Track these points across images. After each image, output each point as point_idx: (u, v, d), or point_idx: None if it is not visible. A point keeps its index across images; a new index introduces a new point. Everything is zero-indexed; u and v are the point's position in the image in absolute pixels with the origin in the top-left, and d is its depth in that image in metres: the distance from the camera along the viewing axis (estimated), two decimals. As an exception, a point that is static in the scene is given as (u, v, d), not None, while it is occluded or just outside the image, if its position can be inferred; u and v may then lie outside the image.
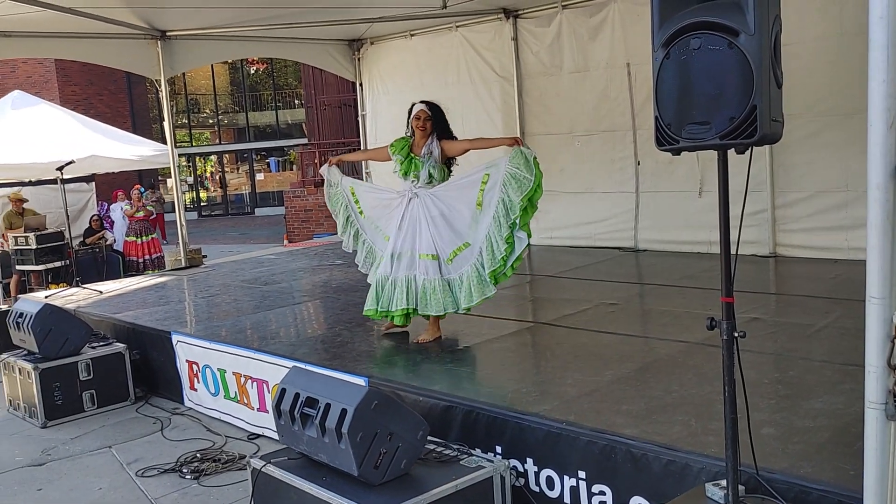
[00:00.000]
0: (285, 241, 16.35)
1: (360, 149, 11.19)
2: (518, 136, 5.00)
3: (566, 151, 8.93)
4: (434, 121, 5.16)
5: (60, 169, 8.29)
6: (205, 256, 10.38)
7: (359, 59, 10.85)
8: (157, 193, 20.48)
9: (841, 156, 6.92)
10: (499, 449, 3.84)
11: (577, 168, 8.89)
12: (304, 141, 22.79)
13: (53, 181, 10.06)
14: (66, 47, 8.75)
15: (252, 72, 32.40)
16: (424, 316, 5.31)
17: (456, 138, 5.30)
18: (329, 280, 8.15)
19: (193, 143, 32.73)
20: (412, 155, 5.18)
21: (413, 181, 5.18)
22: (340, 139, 17.84)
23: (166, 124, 9.60)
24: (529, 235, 5.03)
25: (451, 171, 5.31)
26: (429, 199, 5.15)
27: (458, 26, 9.56)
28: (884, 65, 1.88)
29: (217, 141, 32.74)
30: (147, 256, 13.30)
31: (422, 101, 5.25)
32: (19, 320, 6.08)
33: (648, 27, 2.65)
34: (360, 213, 5.54)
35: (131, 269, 12.55)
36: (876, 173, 1.96)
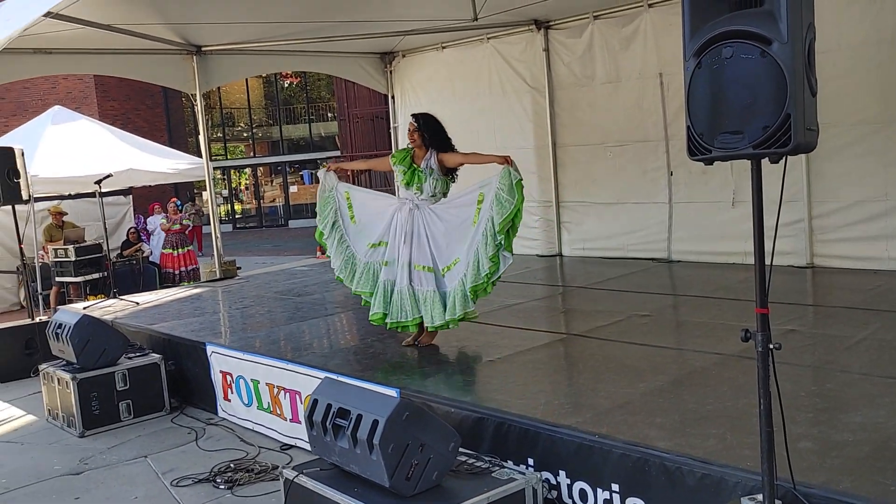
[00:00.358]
0: (318, 253, 16.39)
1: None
2: (509, 155, 5.08)
3: (598, 162, 8.90)
4: (425, 132, 5.30)
5: (99, 182, 8.45)
6: (239, 268, 10.49)
7: (391, 72, 10.93)
8: (196, 206, 20.77)
9: (880, 164, 6.82)
10: (531, 461, 3.82)
11: (609, 179, 8.84)
12: (337, 153, 22.99)
13: (92, 194, 10.25)
14: (105, 63, 8.94)
15: (286, 85, 32.77)
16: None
17: (454, 149, 5.41)
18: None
19: (228, 157, 33.14)
20: (415, 166, 5.30)
21: (416, 193, 5.30)
22: (373, 151, 17.97)
23: (201, 138, 9.73)
24: (511, 255, 5.16)
25: (453, 180, 5.43)
26: (429, 214, 5.30)
27: (489, 38, 9.59)
28: None
29: (251, 154, 33.12)
30: (183, 268, 13.47)
31: (413, 114, 5.48)
32: (58, 331, 6.18)
33: (678, 37, 2.64)
34: (352, 218, 5.60)
35: (167, 281, 12.71)
36: None
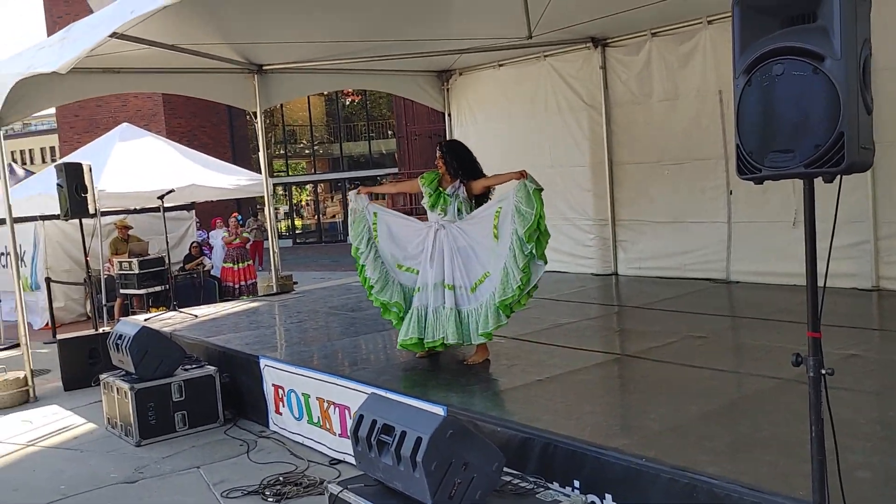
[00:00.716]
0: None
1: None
2: (524, 169, 5.23)
3: (655, 181, 8.78)
4: (451, 159, 5.52)
5: (161, 197, 8.69)
6: (296, 283, 10.64)
7: (448, 90, 11.00)
8: (258, 221, 21.19)
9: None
10: (577, 483, 3.76)
11: (666, 197, 8.71)
12: (395, 170, 23.18)
13: (156, 209, 10.56)
14: (170, 82, 9.21)
15: (347, 103, 33.26)
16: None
17: (482, 174, 5.61)
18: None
19: (290, 173, 33.74)
20: (441, 189, 5.51)
21: (440, 215, 5.50)
22: (431, 168, 18.06)
23: (261, 154, 9.93)
24: (545, 262, 5.28)
25: (479, 205, 5.59)
26: (454, 231, 5.47)
27: (545, 56, 9.57)
28: None
29: (312, 171, 33.66)
30: (242, 282, 13.74)
31: (439, 143, 5.77)
32: (118, 342, 6.36)
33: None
34: (375, 238, 5.80)
35: (227, 295, 12.98)
36: None
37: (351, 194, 6.03)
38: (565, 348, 5.76)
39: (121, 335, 6.37)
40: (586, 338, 6.10)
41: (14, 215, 11.94)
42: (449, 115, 11.07)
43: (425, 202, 5.58)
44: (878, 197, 7.01)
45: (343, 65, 9.83)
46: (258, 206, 28.24)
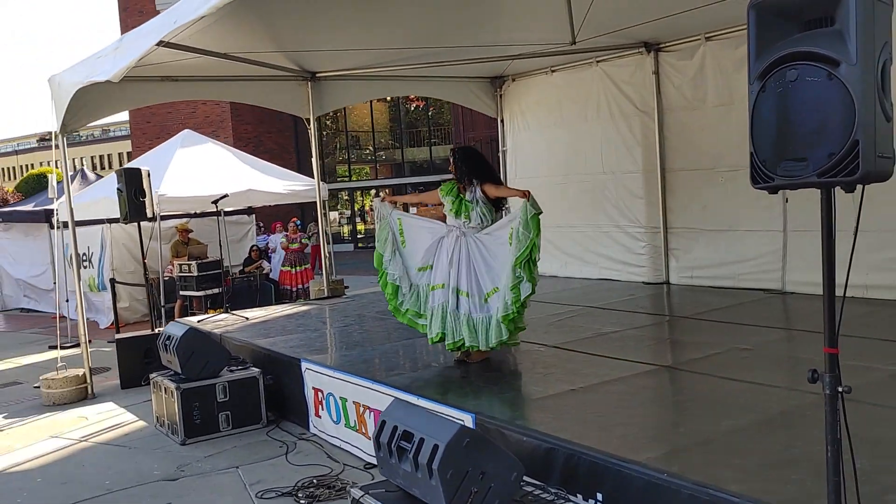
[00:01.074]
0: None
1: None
2: (528, 190, 5.37)
3: (709, 187, 8.58)
4: (463, 164, 5.65)
5: (215, 202, 8.89)
6: (347, 287, 10.75)
7: (500, 96, 10.98)
8: (318, 226, 21.50)
9: None
10: (599, 496, 3.69)
11: (720, 205, 8.50)
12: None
13: (217, 213, 10.84)
14: (225, 89, 9.42)
15: (411, 109, 33.51)
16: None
17: (498, 180, 5.84)
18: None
19: (353, 178, 34.15)
20: (461, 196, 5.66)
21: (465, 221, 5.64)
22: (487, 174, 18.08)
23: (314, 160, 10.08)
24: (534, 285, 5.36)
25: (501, 213, 5.74)
26: (474, 241, 5.60)
27: (598, 61, 9.47)
28: None
29: (374, 176, 33.99)
30: (300, 286, 13.98)
31: (452, 148, 6.09)
32: (167, 342, 6.54)
33: None
34: (403, 243, 5.96)
35: (285, 298, 13.21)
36: None
37: (375, 201, 6.24)
38: (604, 357, 5.67)
39: (169, 336, 6.54)
40: (628, 348, 5.98)
41: (83, 218, 12.50)
42: (501, 120, 11.06)
43: (448, 210, 5.72)
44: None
45: (396, 71, 9.89)
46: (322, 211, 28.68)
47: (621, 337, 6.48)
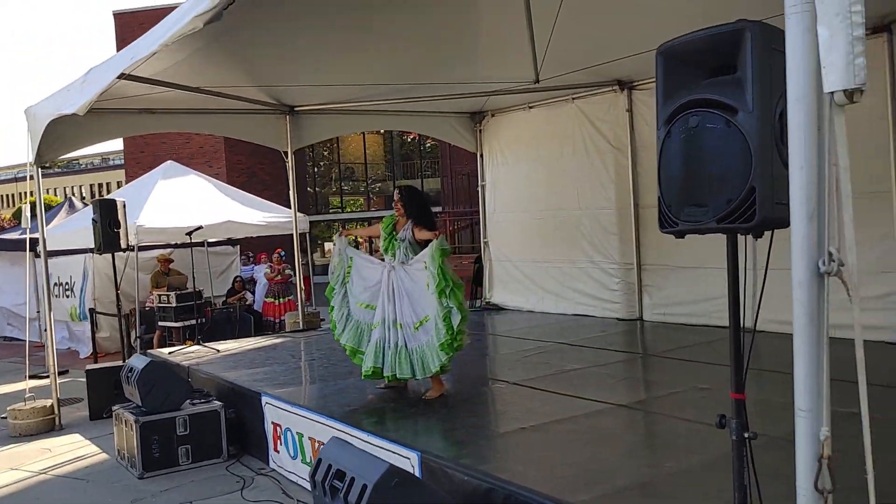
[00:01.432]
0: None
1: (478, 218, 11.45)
2: (438, 231, 5.82)
3: (681, 224, 8.59)
4: (408, 203, 5.90)
5: (189, 234, 8.91)
6: (322, 320, 10.72)
7: (480, 131, 11.06)
8: (306, 258, 21.51)
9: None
10: (534, 538, 3.66)
11: (691, 242, 8.35)
12: (439, 209, 23.33)
13: (200, 244, 10.87)
14: (203, 122, 9.47)
15: (409, 140, 33.73)
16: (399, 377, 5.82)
17: (432, 223, 5.98)
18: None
19: (347, 209, 34.28)
20: (394, 234, 5.93)
21: (391, 259, 5.89)
22: (473, 207, 18.13)
23: (291, 192, 10.11)
24: (462, 312, 5.51)
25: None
26: (402, 273, 5.80)
27: (574, 98, 9.56)
28: (801, 148, 1.69)
29: (367, 207, 34.13)
30: (283, 317, 13.94)
31: (397, 186, 6.21)
32: (129, 375, 6.51)
33: None
34: (348, 277, 6.15)
35: (268, 329, 13.16)
36: (798, 269, 1.75)
37: (335, 237, 6.40)
38: (561, 395, 5.65)
39: (131, 368, 6.52)
40: (587, 385, 5.96)
41: (67, 247, 12.51)
42: (481, 155, 11.12)
43: (381, 245, 5.99)
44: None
45: (376, 106, 9.97)
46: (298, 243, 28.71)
47: (584, 374, 6.46)
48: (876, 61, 6.64)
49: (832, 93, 1.61)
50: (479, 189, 11.26)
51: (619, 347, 7.78)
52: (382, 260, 6.07)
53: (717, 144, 2.40)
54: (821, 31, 1.56)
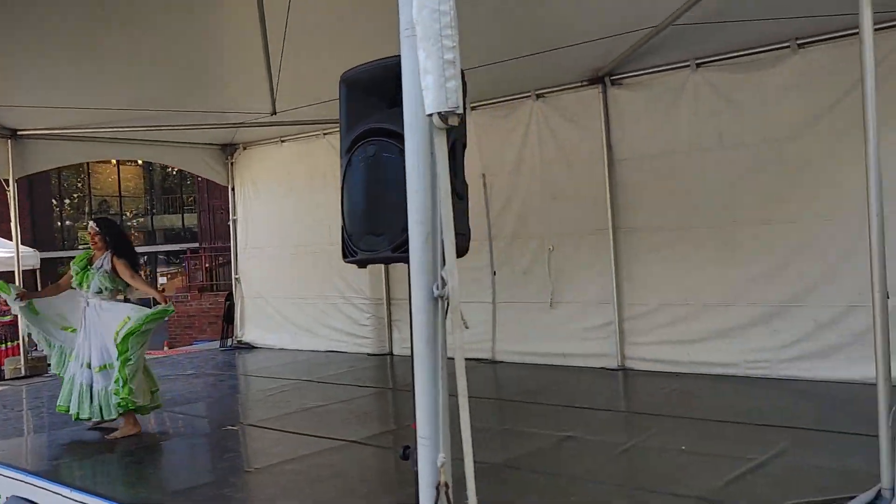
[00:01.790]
0: (165, 347, 15.70)
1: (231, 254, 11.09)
2: (169, 296, 5.61)
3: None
4: (107, 235, 5.78)
5: None
6: (48, 365, 9.74)
7: (231, 164, 10.71)
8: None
9: (680, 270, 6.94)
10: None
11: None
12: (195, 245, 22.38)
13: None
14: None
15: (172, 173, 32.09)
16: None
17: (132, 265, 5.82)
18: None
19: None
20: (88, 266, 5.73)
21: (86, 291, 5.68)
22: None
23: (13, 226, 9.16)
24: (135, 363, 5.49)
25: (119, 286, 5.80)
26: (94, 312, 5.67)
27: (325, 133, 9.54)
28: (416, 172, 1.74)
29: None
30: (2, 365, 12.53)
31: (93, 219, 6.07)
32: None
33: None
34: (36, 312, 5.82)
35: (-7, 377, 11.74)
36: (416, 294, 1.79)
37: (15, 303, 5.84)
38: (294, 434, 5.49)
39: None
40: (323, 423, 5.84)
41: None
42: (232, 189, 10.77)
43: (74, 282, 5.73)
44: (620, 281, 7.31)
45: (119, 133, 9.32)
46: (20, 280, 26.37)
47: (322, 412, 6.34)
48: (592, 110, 7.25)
49: (431, 115, 1.66)
50: (231, 224, 10.88)
51: (365, 382, 7.74)
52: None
53: (392, 173, 2.40)
54: (420, 54, 1.59)
